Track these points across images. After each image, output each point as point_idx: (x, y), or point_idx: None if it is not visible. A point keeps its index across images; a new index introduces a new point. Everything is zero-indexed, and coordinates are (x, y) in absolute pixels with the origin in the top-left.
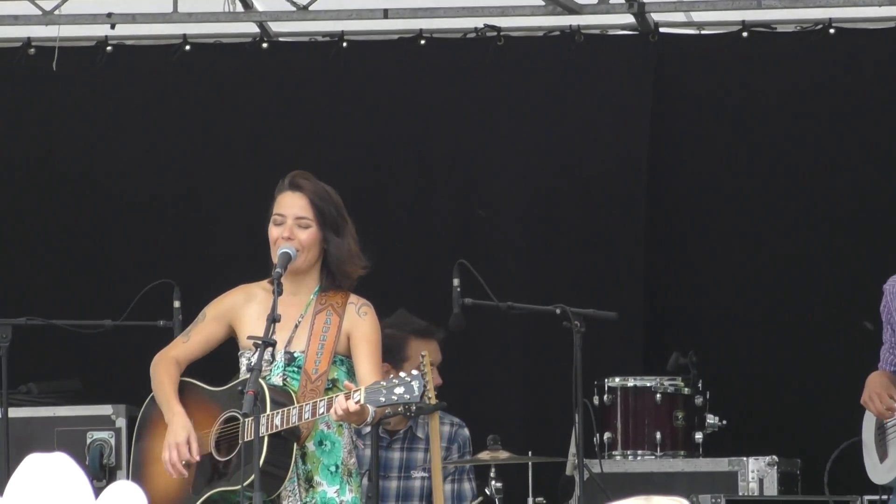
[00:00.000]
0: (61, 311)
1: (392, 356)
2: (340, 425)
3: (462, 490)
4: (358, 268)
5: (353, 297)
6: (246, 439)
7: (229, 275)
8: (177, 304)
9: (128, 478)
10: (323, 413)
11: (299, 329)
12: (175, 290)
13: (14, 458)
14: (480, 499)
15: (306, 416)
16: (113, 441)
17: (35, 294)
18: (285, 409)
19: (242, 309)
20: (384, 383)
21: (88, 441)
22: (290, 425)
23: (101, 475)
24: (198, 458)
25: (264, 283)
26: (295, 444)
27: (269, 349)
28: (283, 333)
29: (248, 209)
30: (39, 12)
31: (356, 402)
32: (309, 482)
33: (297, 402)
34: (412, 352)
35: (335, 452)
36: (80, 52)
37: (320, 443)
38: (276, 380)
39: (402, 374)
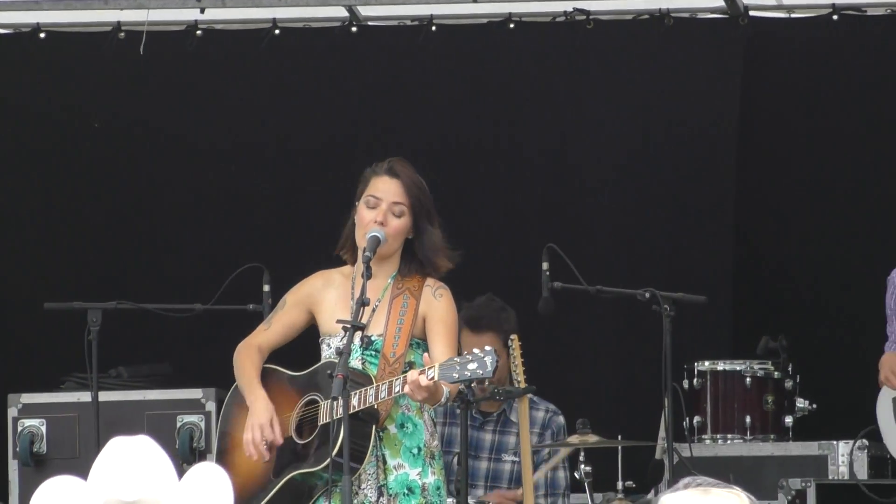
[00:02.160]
0: (151, 295)
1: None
2: (421, 408)
3: (556, 478)
4: (448, 260)
5: (429, 280)
6: (324, 421)
7: (319, 259)
8: (266, 288)
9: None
10: (399, 392)
11: (377, 313)
12: (265, 273)
13: (104, 442)
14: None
15: (383, 396)
16: (203, 425)
17: (125, 278)
18: (362, 389)
19: (322, 294)
20: (458, 359)
21: (178, 425)
22: (367, 405)
23: (191, 458)
24: (281, 440)
25: (343, 269)
26: (374, 427)
27: (358, 332)
28: (362, 318)
29: (338, 193)
30: None
31: (429, 378)
32: (385, 465)
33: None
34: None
35: (417, 435)
36: (169, 37)
37: (402, 425)
38: (355, 363)
39: (475, 350)
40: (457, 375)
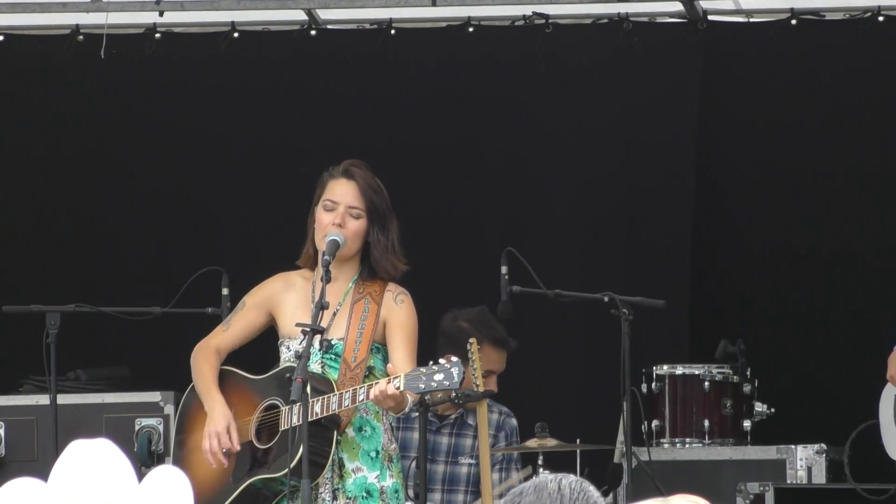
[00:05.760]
0: (110, 298)
1: (461, 352)
2: (379, 411)
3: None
4: (400, 264)
5: (390, 285)
6: (287, 427)
7: (278, 262)
8: (225, 291)
9: None
10: (363, 400)
11: (338, 317)
12: (223, 277)
13: (63, 445)
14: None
15: (346, 404)
16: (161, 428)
17: (84, 281)
18: (325, 396)
19: (282, 297)
20: (423, 370)
21: (137, 428)
22: (330, 413)
23: (149, 462)
24: (238, 447)
25: (303, 272)
26: (335, 432)
27: (318, 336)
28: (321, 321)
29: (297, 196)
30: None
31: (396, 388)
32: (342, 469)
33: (337, 390)
34: (483, 356)
35: (375, 438)
36: (128, 40)
37: (360, 429)
38: (315, 367)
39: (441, 360)
40: (423, 386)
